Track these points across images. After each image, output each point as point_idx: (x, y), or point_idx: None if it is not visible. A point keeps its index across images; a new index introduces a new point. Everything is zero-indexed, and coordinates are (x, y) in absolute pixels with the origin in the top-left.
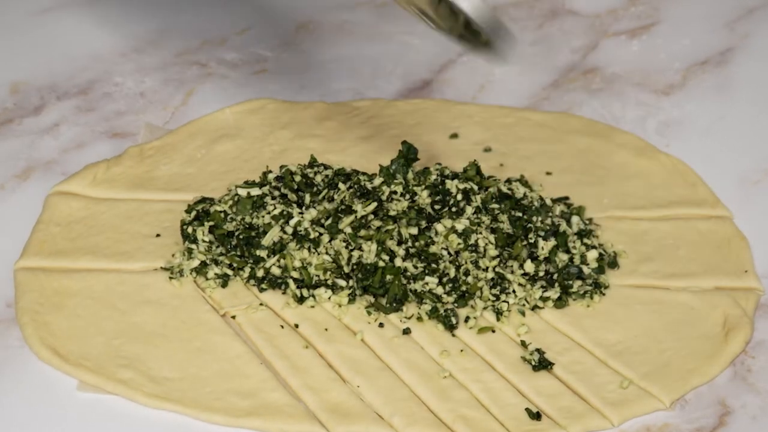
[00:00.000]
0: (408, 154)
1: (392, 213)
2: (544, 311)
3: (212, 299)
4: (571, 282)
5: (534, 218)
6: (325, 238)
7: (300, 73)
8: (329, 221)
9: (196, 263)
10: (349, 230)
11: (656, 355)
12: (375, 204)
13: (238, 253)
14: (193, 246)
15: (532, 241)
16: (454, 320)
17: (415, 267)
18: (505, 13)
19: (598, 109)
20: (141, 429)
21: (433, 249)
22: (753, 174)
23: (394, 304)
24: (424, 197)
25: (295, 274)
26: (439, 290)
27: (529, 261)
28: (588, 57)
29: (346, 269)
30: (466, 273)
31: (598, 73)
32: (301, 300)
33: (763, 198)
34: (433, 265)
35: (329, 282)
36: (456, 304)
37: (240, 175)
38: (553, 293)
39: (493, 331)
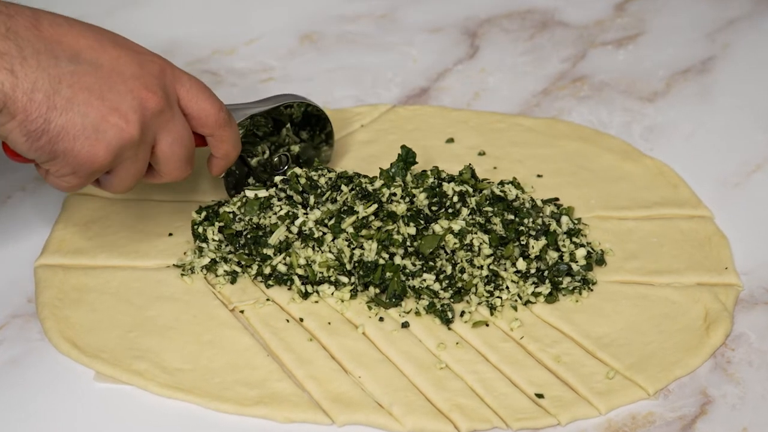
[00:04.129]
0: (407, 158)
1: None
2: (535, 306)
3: (222, 295)
4: (560, 278)
5: (525, 220)
6: (329, 237)
7: (305, 81)
8: (332, 221)
9: (206, 261)
10: (351, 230)
11: (641, 347)
12: (375, 205)
13: (246, 252)
14: (204, 245)
15: (524, 242)
16: (450, 315)
17: (414, 265)
18: (498, 24)
19: (586, 115)
20: (154, 417)
21: (430, 248)
22: (732, 176)
23: (394, 300)
24: (421, 199)
25: (300, 272)
26: (436, 286)
27: (521, 259)
28: (577, 66)
29: (348, 267)
30: (462, 271)
31: (586, 81)
32: (305, 296)
33: (743, 199)
34: (431, 263)
35: (332, 279)
36: (452, 300)
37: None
38: (544, 289)
39: (487, 325)
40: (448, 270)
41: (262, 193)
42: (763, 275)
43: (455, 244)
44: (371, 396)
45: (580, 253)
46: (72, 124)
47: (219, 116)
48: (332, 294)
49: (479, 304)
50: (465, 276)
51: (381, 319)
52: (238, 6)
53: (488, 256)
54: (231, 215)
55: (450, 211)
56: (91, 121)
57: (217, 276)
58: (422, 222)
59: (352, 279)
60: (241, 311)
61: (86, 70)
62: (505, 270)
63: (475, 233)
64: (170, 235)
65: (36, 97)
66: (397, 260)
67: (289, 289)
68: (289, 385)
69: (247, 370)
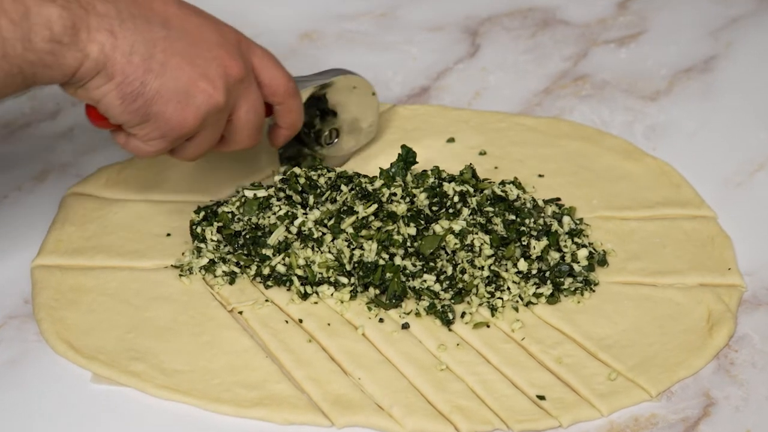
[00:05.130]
0: (407, 158)
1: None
2: (536, 307)
3: (220, 296)
4: (562, 279)
5: (527, 220)
6: (328, 237)
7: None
8: (332, 221)
9: (204, 261)
10: (350, 230)
11: (643, 348)
12: (375, 205)
13: (245, 252)
14: (202, 245)
15: (525, 243)
16: (450, 316)
17: (414, 265)
18: (499, 23)
19: (588, 114)
20: (152, 419)
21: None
22: (736, 176)
23: (394, 301)
24: (422, 199)
25: (299, 272)
26: (437, 287)
27: (522, 260)
28: (578, 65)
29: (348, 267)
30: (463, 271)
31: (587, 80)
32: (304, 296)
33: (746, 198)
34: (431, 264)
35: (332, 279)
36: (453, 301)
37: (247, 177)
38: (546, 290)
39: (488, 326)
40: (449, 271)
41: (261, 193)
42: (767, 276)
43: (456, 244)
44: (371, 397)
45: (582, 253)
46: (166, 88)
47: (289, 86)
48: (332, 295)
49: (480, 305)
50: (466, 277)
51: (381, 320)
52: (237, 4)
53: (489, 257)
54: (230, 215)
55: (451, 211)
56: (183, 86)
57: (215, 276)
58: (423, 222)
59: (352, 280)
60: (240, 312)
61: (177, 36)
62: (506, 271)
63: (476, 233)
64: (168, 235)
65: (134, 59)
66: (398, 261)
67: (289, 289)
68: (288, 387)
69: (245, 372)
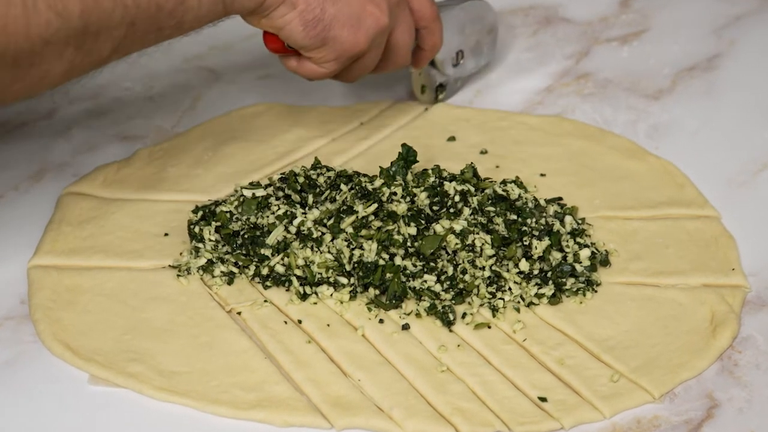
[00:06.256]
0: (407, 157)
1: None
2: (538, 308)
3: (218, 296)
4: (564, 279)
5: (528, 220)
6: (328, 237)
7: (304, 78)
8: (331, 221)
9: (202, 261)
10: (350, 230)
11: (646, 349)
12: (375, 205)
13: (244, 252)
14: (200, 245)
15: (526, 243)
16: (451, 316)
17: (414, 265)
18: (501, 21)
19: (590, 113)
20: (150, 421)
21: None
22: (739, 175)
23: (394, 301)
24: (422, 198)
25: (298, 272)
26: (438, 288)
27: (524, 260)
28: (580, 63)
29: (348, 267)
30: (464, 272)
31: (590, 79)
32: (304, 297)
33: (750, 198)
34: (432, 264)
35: (331, 279)
36: (453, 301)
37: (245, 176)
38: (547, 290)
39: (489, 327)
40: (450, 271)
41: (260, 192)
42: None
43: (457, 244)
44: (371, 399)
45: (584, 253)
46: (341, 13)
47: (434, 9)
48: (331, 295)
49: (481, 305)
50: (467, 277)
51: (381, 320)
52: None
53: (490, 257)
54: (228, 215)
55: (451, 210)
56: (355, 11)
57: (213, 277)
58: (423, 222)
59: (352, 280)
60: (239, 313)
61: None
62: (508, 271)
63: (477, 233)
64: (166, 235)
65: None
66: (398, 261)
67: (288, 290)
68: (287, 388)
69: (244, 373)
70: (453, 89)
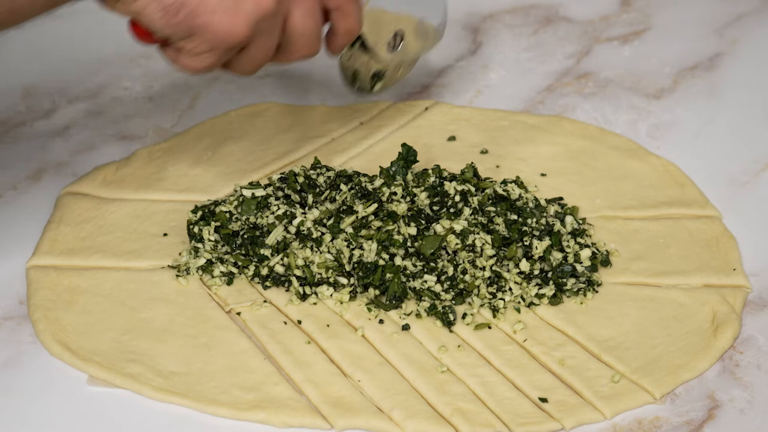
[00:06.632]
0: (407, 156)
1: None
2: (539, 308)
3: (218, 296)
4: (565, 280)
5: (529, 220)
6: (327, 237)
7: (303, 77)
8: (331, 221)
9: (202, 262)
10: (350, 230)
11: (647, 350)
12: (375, 205)
13: (243, 252)
14: (200, 245)
15: (527, 243)
16: (451, 317)
17: (415, 266)
18: (501, 20)
19: (591, 112)
20: (149, 422)
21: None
22: (741, 175)
23: (394, 302)
24: (422, 198)
25: (298, 272)
26: (438, 288)
27: (524, 260)
28: (581, 62)
29: (348, 267)
30: (464, 272)
31: (591, 78)
32: (303, 297)
33: (751, 198)
34: (432, 264)
35: (331, 280)
36: (454, 302)
37: (245, 176)
38: (548, 291)
39: (490, 328)
40: (450, 271)
41: (259, 192)
42: None
43: (457, 244)
44: (371, 400)
45: (585, 253)
46: None
47: None
48: (331, 295)
49: (481, 306)
50: (467, 277)
51: (381, 321)
52: None
53: (491, 257)
54: (227, 215)
55: (452, 210)
56: None
57: (213, 277)
58: (423, 222)
59: (352, 280)
60: (238, 313)
61: None
62: (508, 271)
63: (478, 234)
64: (165, 235)
65: None
66: (398, 261)
67: (287, 290)
68: (286, 389)
69: (243, 374)
70: (394, 78)
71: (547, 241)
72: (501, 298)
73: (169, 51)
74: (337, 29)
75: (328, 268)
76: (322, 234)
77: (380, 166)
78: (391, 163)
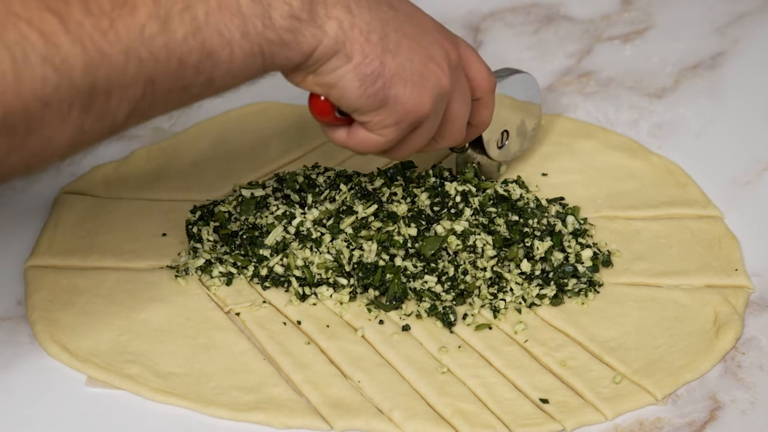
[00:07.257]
0: (405, 162)
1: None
2: (540, 309)
3: (217, 297)
4: (566, 280)
5: (530, 221)
6: (327, 237)
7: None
8: (331, 221)
9: (201, 262)
10: (350, 230)
11: (649, 351)
12: (375, 205)
13: (242, 253)
14: (199, 245)
15: (528, 244)
16: (452, 317)
17: (415, 266)
18: (502, 19)
19: (592, 111)
20: (147, 423)
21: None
22: (743, 175)
23: (394, 302)
24: (423, 199)
25: (297, 273)
26: (438, 289)
27: (525, 260)
28: (582, 61)
29: (347, 268)
30: (465, 272)
31: (592, 77)
32: (303, 298)
33: (753, 198)
34: (432, 265)
35: (331, 280)
36: (454, 302)
37: (244, 176)
38: (549, 291)
39: (490, 328)
40: (451, 272)
41: (259, 192)
42: None
43: (458, 245)
44: (371, 401)
45: (586, 254)
46: (402, 68)
47: (490, 80)
48: (331, 296)
49: (482, 306)
50: (468, 278)
51: (381, 321)
52: None
53: (491, 258)
54: (226, 215)
55: (452, 211)
56: (417, 67)
57: (212, 277)
58: (424, 223)
59: (351, 281)
60: (237, 314)
61: (403, 18)
62: (509, 272)
63: (479, 234)
64: (164, 235)
65: (372, 38)
66: (398, 262)
67: (287, 291)
68: (286, 390)
69: (242, 375)
70: (495, 175)
71: (548, 242)
72: (502, 299)
73: (340, 132)
74: (473, 120)
75: (327, 268)
76: (322, 234)
77: (377, 167)
78: (390, 167)
